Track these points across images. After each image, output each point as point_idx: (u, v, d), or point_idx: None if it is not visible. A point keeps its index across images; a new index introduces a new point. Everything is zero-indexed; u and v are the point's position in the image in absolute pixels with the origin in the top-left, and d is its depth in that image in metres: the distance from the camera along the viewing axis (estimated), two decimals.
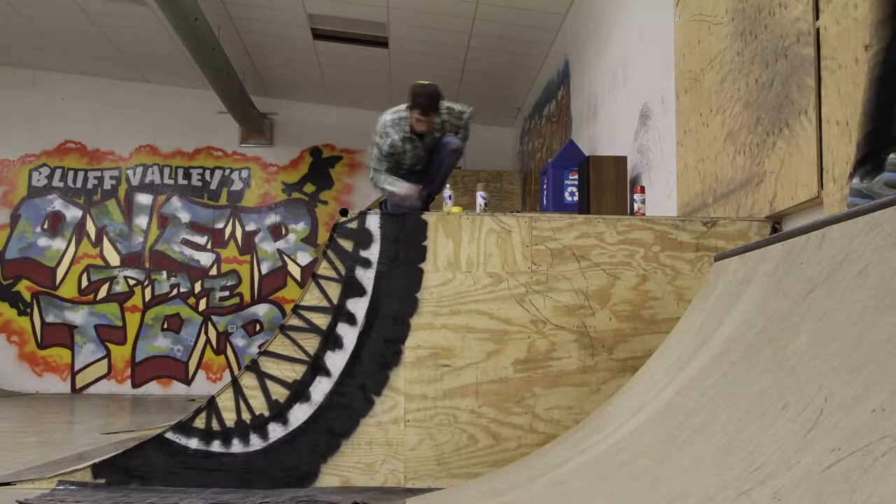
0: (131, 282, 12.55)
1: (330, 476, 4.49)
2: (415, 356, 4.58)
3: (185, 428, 4.56)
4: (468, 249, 4.65)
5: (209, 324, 12.53)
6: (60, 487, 4.36)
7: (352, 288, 4.64)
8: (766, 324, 2.90)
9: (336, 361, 4.60)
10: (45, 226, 12.65)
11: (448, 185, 5.69)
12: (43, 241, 12.61)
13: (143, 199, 12.79)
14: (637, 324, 4.58)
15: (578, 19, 8.46)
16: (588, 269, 4.63)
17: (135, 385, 12.37)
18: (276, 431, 4.55)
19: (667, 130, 5.72)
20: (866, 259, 2.44)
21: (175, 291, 12.56)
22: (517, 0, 8.69)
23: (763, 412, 2.35)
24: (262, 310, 12.58)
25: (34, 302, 12.47)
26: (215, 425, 4.56)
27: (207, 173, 12.88)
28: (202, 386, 12.20)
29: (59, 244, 12.60)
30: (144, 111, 12.79)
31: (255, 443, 4.54)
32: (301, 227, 12.79)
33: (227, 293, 12.58)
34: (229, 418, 4.56)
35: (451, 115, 5.82)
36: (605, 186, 6.11)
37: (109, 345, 12.44)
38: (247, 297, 12.59)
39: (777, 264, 3.24)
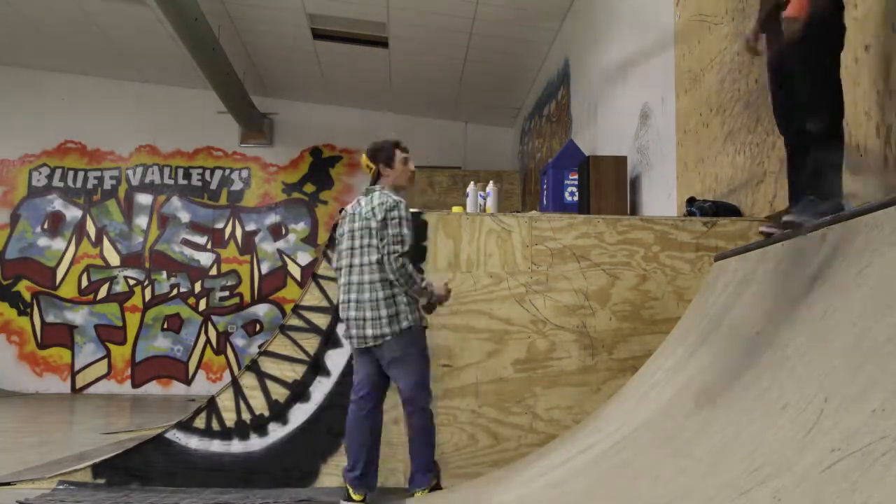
0: (131, 282, 12.55)
1: (330, 476, 4.49)
2: None
3: (185, 428, 4.56)
4: (468, 249, 4.65)
5: (209, 324, 12.53)
6: (60, 487, 4.35)
7: None
8: (766, 324, 2.90)
9: (336, 361, 4.60)
10: (45, 226, 12.65)
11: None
12: (43, 241, 12.60)
13: (143, 199, 12.78)
14: (637, 324, 4.58)
15: (578, 19, 8.46)
16: (588, 269, 4.63)
17: (135, 385, 12.36)
18: (276, 431, 4.55)
19: (667, 130, 5.72)
20: (866, 259, 2.44)
21: (175, 291, 12.55)
22: (517, 0, 8.69)
23: (763, 412, 2.35)
24: (262, 310, 12.58)
25: (34, 302, 12.47)
26: (215, 425, 4.56)
27: (207, 173, 12.87)
28: (202, 386, 12.18)
29: (59, 244, 12.60)
30: (144, 111, 12.79)
31: (255, 443, 4.54)
32: (301, 227, 12.79)
33: (227, 293, 12.58)
34: (229, 418, 4.56)
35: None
36: (605, 186, 6.11)
37: (109, 345, 12.43)
38: (247, 297, 12.58)
39: (777, 264, 3.24)
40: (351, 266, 4.15)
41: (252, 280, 12.61)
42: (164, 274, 12.57)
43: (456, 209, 5.17)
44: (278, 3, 9.63)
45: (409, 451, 4.11)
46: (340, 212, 4.53)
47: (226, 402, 4.58)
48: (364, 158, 4.35)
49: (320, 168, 12.96)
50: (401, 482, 4.48)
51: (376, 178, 4.29)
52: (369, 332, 4.05)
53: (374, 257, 4.09)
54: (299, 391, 4.57)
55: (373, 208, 4.13)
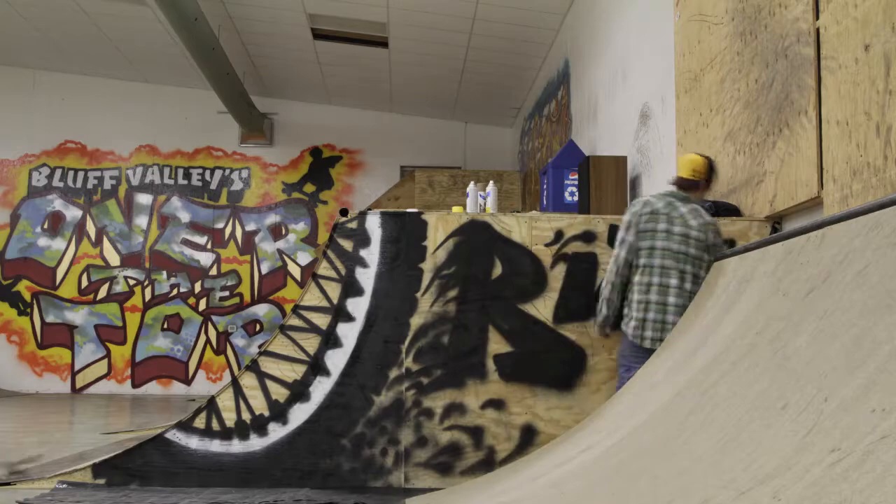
0: (131, 282, 12.55)
1: (330, 476, 4.49)
2: (414, 356, 4.57)
3: (185, 428, 4.56)
4: None
5: (209, 324, 12.53)
6: (60, 487, 4.36)
7: (352, 288, 4.64)
8: (766, 324, 2.90)
9: (336, 361, 4.60)
10: (45, 226, 12.65)
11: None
12: (43, 241, 12.60)
13: (143, 199, 12.78)
14: None
15: (578, 19, 8.46)
16: (588, 268, 4.63)
17: (135, 385, 12.36)
18: (276, 431, 4.55)
19: (667, 130, 5.72)
20: (866, 259, 2.44)
21: (175, 291, 12.55)
22: (517, 0, 8.69)
23: (763, 412, 2.35)
24: (262, 310, 12.58)
25: (34, 302, 12.47)
26: (215, 425, 4.56)
27: (207, 173, 12.87)
28: (202, 386, 12.19)
29: (59, 244, 12.60)
30: (144, 111, 12.79)
31: (255, 443, 4.54)
32: (301, 227, 12.79)
33: (227, 293, 12.58)
34: (229, 418, 4.56)
35: None
36: (605, 186, 6.11)
37: (109, 345, 12.43)
38: (247, 297, 12.59)
39: (777, 264, 3.24)
40: (663, 268, 4.16)
41: (252, 280, 12.62)
42: (164, 274, 12.57)
43: (456, 209, 5.17)
44: (278, 3, 9.63)
45: None
46: (341, 213, 4.53)
47: (226, 402, 4.58)
48: (696, 162, 4.36)
49: (320, 168, 12.96)
50: (401, 482, 4.49)
51: (689, 188, 4.33)
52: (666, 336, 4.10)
53: (690, 268, 4.14)
54: (299, 391, 4.57)
55: (705, 224, 4.19)
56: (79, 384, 12.33)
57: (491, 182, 5.90)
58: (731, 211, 4.61)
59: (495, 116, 12.72)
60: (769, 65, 4.18)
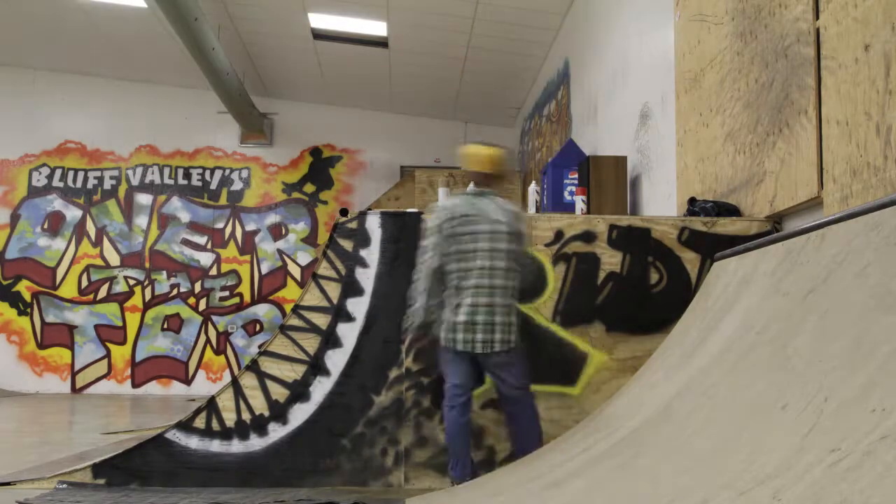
0: (131, 282, 12.55)
1: (330, 476, 4.49)
2: (414, 356, 4.57)
3: (185, 428, 4.56)
4: None
5: (209, 324, 12.52)
6: (60, 487, 4.36)
7: (352, 288, 4.64)
8: (766, 324, 2.90)
9: (336, 361, 4.60)
10: (45, 226, 12.64)
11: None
12: (43, 241, 12.60)
13: (143, 199, 12.78)
14: (637, 324, 4.58)
15: (578, 19, 8.46)
16: (588, 268, 4.63)
17: (135, 385, 12.36)
18: (276, 431, 4.55)
19: (667, 130, 5.72)
20: (866, 259, 2.44)
21: (175, 291, 12.55)
22: (517, 0, 8.69)
23: (763, 412, 2.35)
24: (262, 310, 12.58)
25: (34, 302, 12.46)
26: (215, 425, 4.56)
27: (207, 173, 12.87)
28: (202, 386, 12.18)
29: (59, 244, 12.59)
30: (144, 111, 12.78)
31: (256, 442, 4.54)
32: (301, 227, 12.78)
33: (227, 293, 12.57)
34: (229, 418, 4.56)
35: None
36: (605, 186, 6.11)
37: (109, 345, 12.43)
38: (247, 297, 12.58)
39: (777, 264, 3.25)
40: (482, 268, 4.13)
41: (252, 280, 12.61)
42: (164, 274, 12.57)
43: None
44: (278, 3, 9.63)
45: (518, 441, 4.17)
46: (341, 213, 4.52)
47: (226, 402, 4.58)
48: (491, 154, 4.39)
49: (320, 168, 12.96)
50: (401, 482, 4.49)
51: (487, 183, 4.37)
52: (498, 336, 4.09)
53: (504, 263, 4.14)
54: (299, 391, 4.57)
55: (513, 213, 4.23)
56: (79, 384, 12.33)
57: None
58: (731, 211, 4.62)
59: (495, 116, 12.71)
60: (769, 65, 4.18)
